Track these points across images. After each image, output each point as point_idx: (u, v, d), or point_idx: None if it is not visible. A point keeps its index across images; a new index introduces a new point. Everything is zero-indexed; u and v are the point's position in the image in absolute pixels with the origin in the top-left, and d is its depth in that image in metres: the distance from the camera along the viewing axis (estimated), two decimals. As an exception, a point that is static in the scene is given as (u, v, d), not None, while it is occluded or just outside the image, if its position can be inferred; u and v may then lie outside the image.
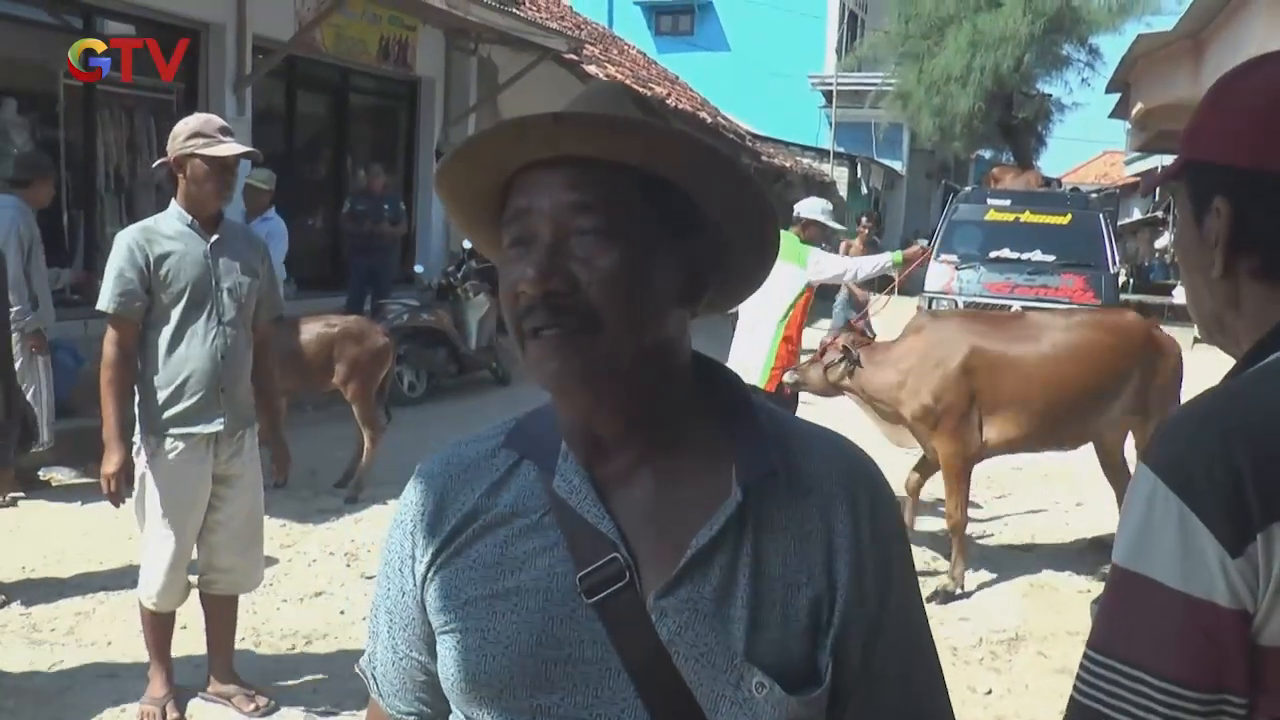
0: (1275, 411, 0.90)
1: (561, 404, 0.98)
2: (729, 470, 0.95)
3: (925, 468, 5.27)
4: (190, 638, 3.74)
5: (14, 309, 5.25)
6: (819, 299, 6.20)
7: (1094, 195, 15.18)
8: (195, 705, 3.54)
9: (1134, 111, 14.66)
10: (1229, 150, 1.00)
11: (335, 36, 10.24)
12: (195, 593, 3.53)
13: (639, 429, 0.97)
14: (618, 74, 14.75)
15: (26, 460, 5.41)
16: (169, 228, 3.31)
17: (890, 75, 22.71)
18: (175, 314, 3.28)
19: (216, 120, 3.35)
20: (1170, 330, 5.47)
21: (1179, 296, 16.25)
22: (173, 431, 3.29)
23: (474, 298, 9.29)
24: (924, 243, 9.57)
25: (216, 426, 3.34)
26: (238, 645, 3.71)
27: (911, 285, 13.15)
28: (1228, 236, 0.99)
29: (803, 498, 0.95)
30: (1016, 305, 10.45)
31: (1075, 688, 0.94)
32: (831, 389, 5.14)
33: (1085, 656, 0.94)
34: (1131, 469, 4.45)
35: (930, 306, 10.98)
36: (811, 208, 5.80)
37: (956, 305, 10.86)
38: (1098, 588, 4.86)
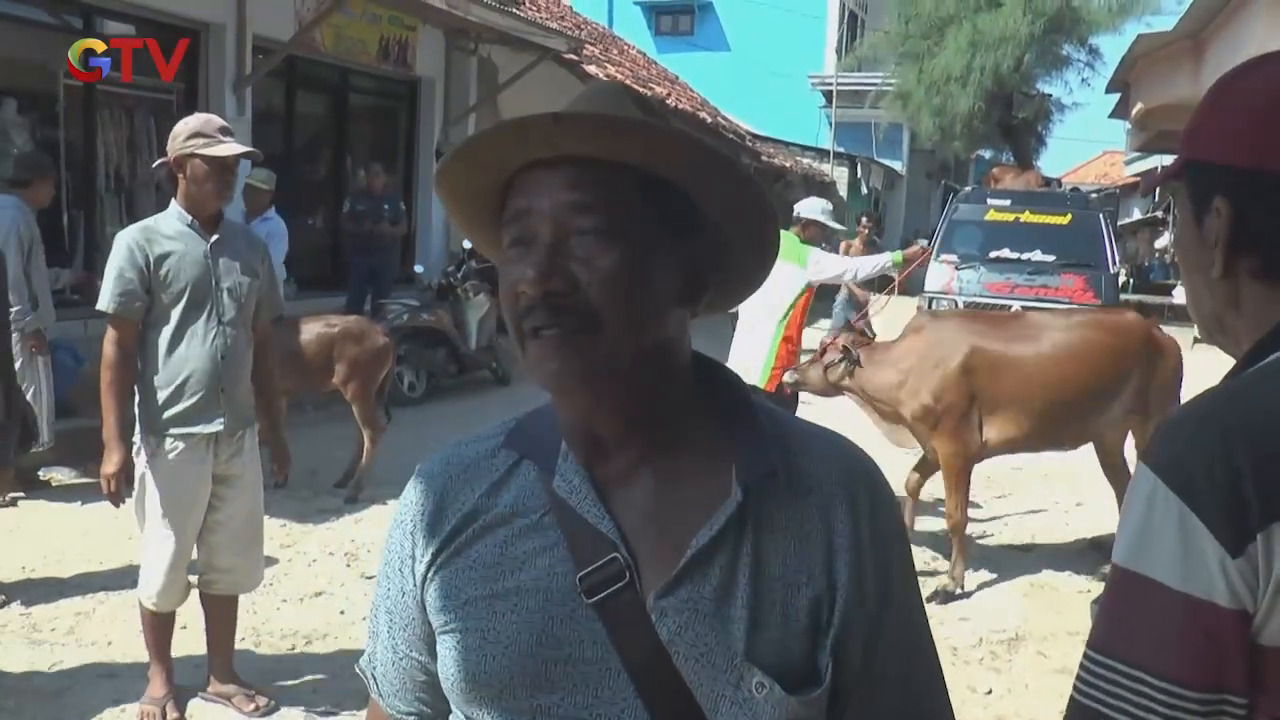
0: (1275, 411, 0.91)
1: (561, 404, 0.98)
2: (729, 470, 0.95)
3: (925, 468, 5.27)
4: (190, 638, 3.74)
5: (14, 309, 5.25)
6: (818, 299, 6.20)
7: (1094, 195, 15.18)
8: (195, 705, 3.54)
9: (1134, 111, 14.66)
10: (1229, 150, 1.00)
11: (335, 36, 10.24)
12: (195, 593, 3.53)
13: (639, 429, 0.97)
14: (618, 74, 14.75)
15: (26, 460, 5.41)
16: (169, 228, 3.31)
17: (890, 75, 22.71)
18: (175, 314, 3.28)
19: (217, 120, 3.35)
20: (1170, 330, 5.47)
21: (1179, 296, 16.25)
22: (173, 431, 3.29)
23: (474, 298, 9.29)
24: (924, 243, 9.57)
25: (216, 426, 3.34)
26: (238, 645, 3.71)
27: (912, 285, 13.17)
28: (1227, 236, 0.99)
29: (803, 498, 0.95)
30: (1016, 305, 10.46)
31: (1075, 688, 0.94)
32: (831, 389, 5.14)
33: (1085, 656, 0.94)
34: (1131, 469, 4.45)
35: (930, 306, 10.99)
36: (811, 208, 5.80)
37: (956, 305, 10.86)
38: (1098, 588, 4.86)
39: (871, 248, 11.25)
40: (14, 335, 5.27)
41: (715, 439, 0.97)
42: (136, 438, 3.32)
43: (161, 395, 3.28)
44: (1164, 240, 24.42)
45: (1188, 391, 4.75)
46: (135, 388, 3.31)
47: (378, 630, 1.07)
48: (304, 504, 5.81)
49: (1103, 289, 10.87)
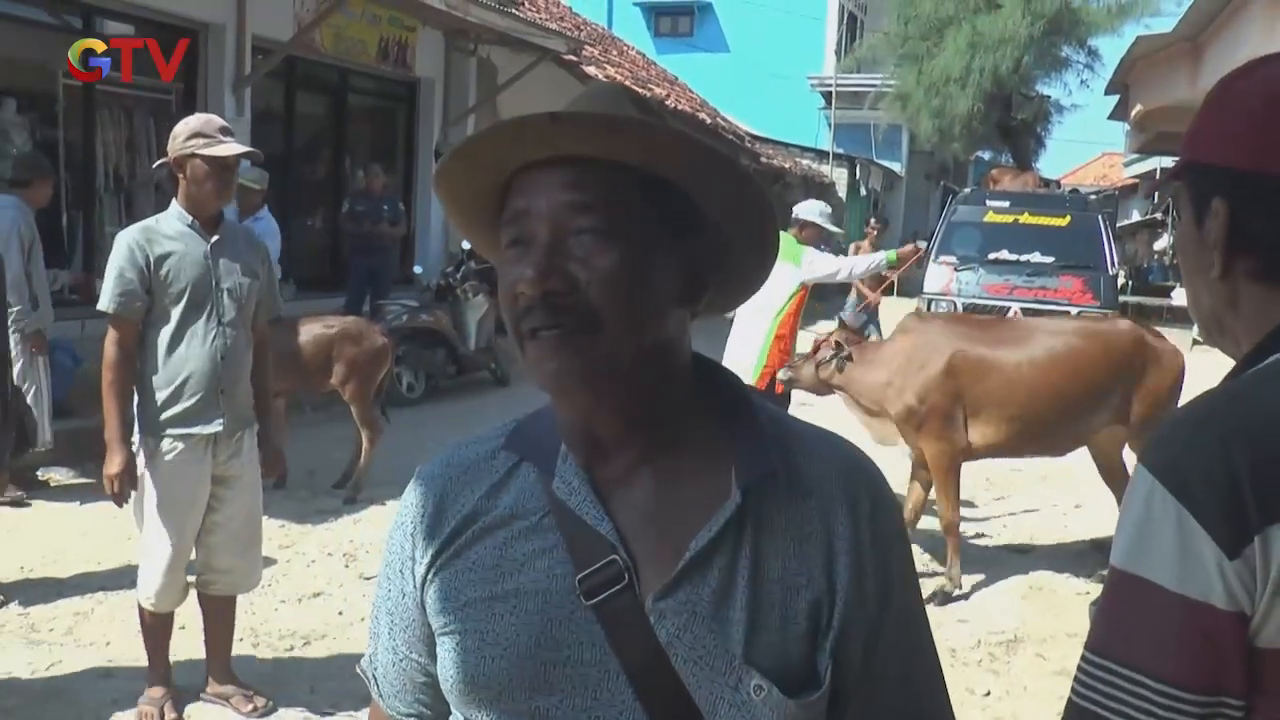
0: (1274, 414, 0.91)
1: (561, 405, 0.98)
2: (729, 471, 0.94)
3: (922, 475, 5.25)
4: (189, 638, 3.74)
5: (15, 309, 5.25)
6: (818, 300, 6.22)
7: (1093, 197, 15.20)
8: (194, 706, 3.53)
9: (1133, 113, 14.66)
10: (1228, 152, 1.00)
11: (334, 37, 10.24)
12: (194, 593, 3.52)
13: (639, 429, 0.97)
14: (617, 75, 14.75)
15: (25, 461, 5.40)
16: (169, 228, 3.31)
17: (889, 76, 22.73)
18: (175, 314, 3.28)
19: (217, 120, 3.34)
20: (1169, 332, 5.48)
21: (1178, 298, 16.25)
22: (172, 432, 3.29)
23: (473, 298, 9.29)
24: (923, 244, 9.58)
25: (216, 427, 3.34)
26: (236, 646, 3.70)
27: (911, 286, 13.19)
28: (1226, 238, 0.99)
29: (803, 500, 0.95)
30: (1015, 307, 10.47)
31: (1073, 689, 0.94)
32: (824, 386, 5.17)
33: (1083, 658, 0.94)
34: (1129, 472, 4.45)
35: (929, 308, 11.00)
36: (809, 210, 5.86)
37: (955, 307, 10.87)
38: (1096, 589, 4.87)
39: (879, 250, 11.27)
40: (14, 336, 5.28)
41: (715, 439, 0.97)
42: (135, 438, 3.32)
43: (161, 395, 3.28)
44: (1163, 242, 24.42)
45: (1187, 393, 4.75)
46: (134, 388, 3.31)
47: (378, 631, 1.07)
48: (302, 505, 5.80)
49: (1101, 291, 10.88)
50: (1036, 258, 11.29)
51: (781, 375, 5.26)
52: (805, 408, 6.30)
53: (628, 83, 13.00)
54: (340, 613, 4.41)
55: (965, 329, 5.09)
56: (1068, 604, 4.86)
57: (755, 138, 20.99)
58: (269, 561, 4.41)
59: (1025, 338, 4.93)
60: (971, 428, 4.77)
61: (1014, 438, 4.81)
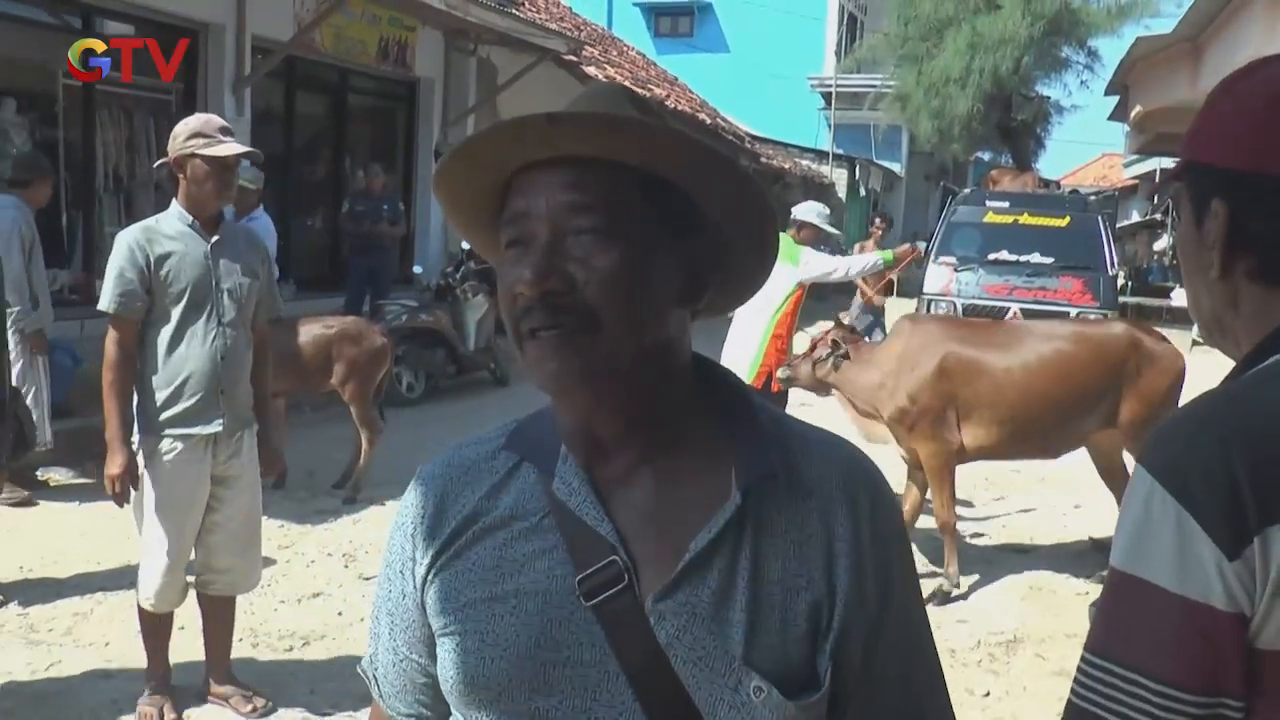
0: (1274, 415, 0.91)
1: (561, 405, 0.98)
2: (729, 471, 0.94)
3: (918, 477, 5.25)
4: (188, 639, 3.74)
5: (15, 309, 5.25)
6: (817, 300, 6.24)
7: (1092, 197, 15.17)
8: (193, 706, 3.53)
9: (1132, 114, 14.67)
10: (1227, 153, 1.00)
11: (334, 37, 10.24)
12: (193, 594, 3.52)
13: (639, 429, 0.96)
14: (617, 75, 14.75)
15: (25, 461, 5.40)
16: (170, 228, 3.31)
17: (889, 77, 22.72)
18: (175, 314, 3.28)
19: (217, 120, 3.35)
20: (1168, 333, 5.47)
21: (1177, 299, 16.25)
22: (171, 432, 3.29)
23: (472, 299, 9.29)
24: (922, 245, 9.59)
25: (215, 427, 3.33)
26: (235, 646, 3.70)
27: (911, 287, 13.19)
28: (1225, 238, 1.00)
29: (803, 500, 0.95)
30: (1015, 308, 10.47)
31: (1073, 690, 0.94)
32: (821, 385, 5.19)
33: (1083, 659, 0.94)
34: (1129, 472, 4.44)
35: (929, 308, 11.00)
36: (807, 211, 5.92)
37: (955, 307, 10.87)
38: (1096, 590, 4.86)
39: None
40: (14, 336, 5.28)
41: (715, 439, 0.97)
42: (135, 438, 3.31)
43: (160, 396, 3.28)
44: (1162, 243, 24.43)
45: (1188, 394, 4.75)
46: (134, 388, 3.31)
47: (379, 632, 1.07)
48: (302, 505, 5.80)
49: (1101, 291, 10.87)
50: (1036, 258, 11.28)
51: (781, 374, 5.29)
52: (805, 408, 6.31)
53: (627, 83, 12.98)
54: (340, 613, 4.41)
55: (958, 331, 5.10)
56: (1067, 604, 4.86)
57: (755, 138, 20.99)
58: (268, 562, 4.41)
59: (1017, 342, 4.93)
60: (963, 430, 4.79)
61: (1005, 441, 4.82)
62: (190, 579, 3.49)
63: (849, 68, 24.15)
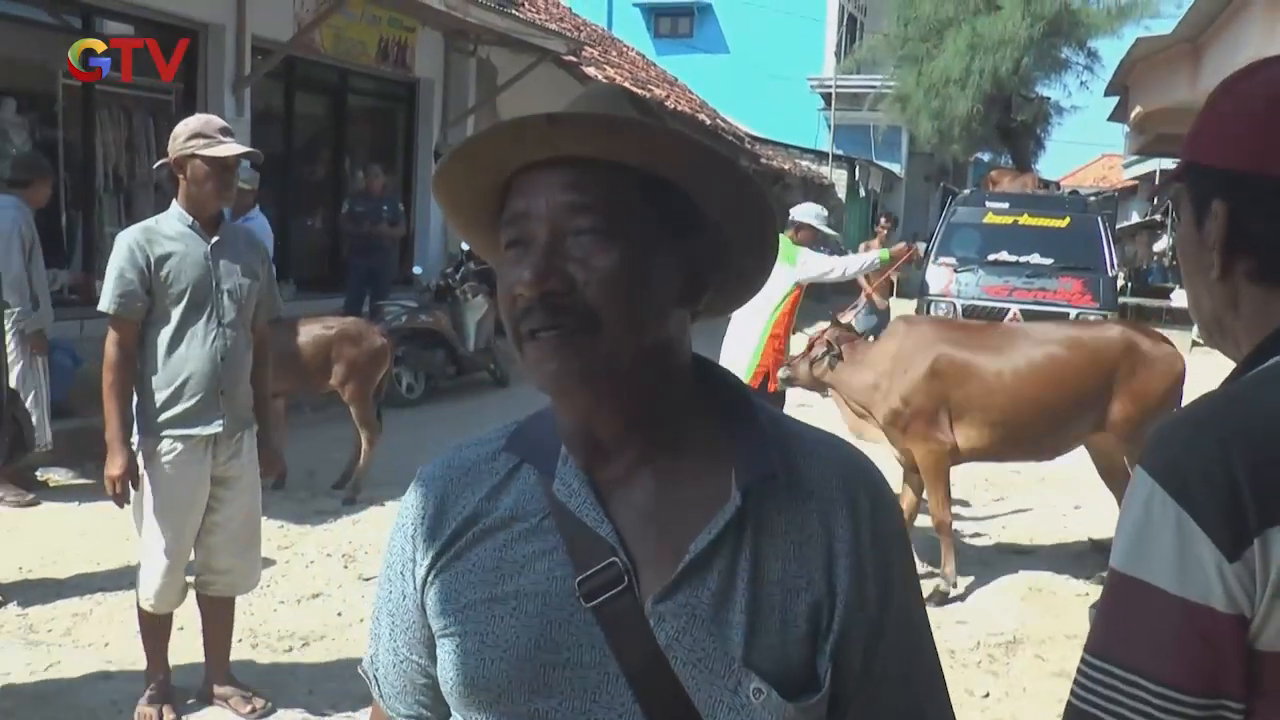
0: (1274, 416, 0.90)
1: (561, 406, 0.98)
2: (729, 472, 0.94)
3: (913, 479, 5.25)
4: (188, 639, 3.74)
5: (16, 310, 5.26)
6: (816, 301, 6.26)
7: (1092, 198, 15.17)
8: (192, 706, 3.53)
9: (1132, 115, 14.67)
10: (1227, 153, 1.00)
11: (334, 38, 10.25)
12: (192, 594, 3.52)
13: (639, 430, 0.96)
14: (617, 76, 14.76)
15: (24, 462, 5.40)
16: (170, 228, 3.31)
17: (889, 78, 22.73)
18: (175, 315, 3.28)
19: (217, 121, 3.35)
20: (1168, 334, 5.46)
21: (1177, 300, 16.25)
22: (171, 433, 3.28)
23: (472, 299, 9.29)
24: (921, 245, 9.59)
25: (215, 428, 3.33)
26: (235, 647, 3.70)
27: (910, 287, 13.19)
28: (1225, 239, 1.00)
29: (803, 501, 0.95)
30: (1015, 309, 10.47)
31: (1073, 692, 0.94)
32: (818, 384, 5.21)
33: (1083, 661, 0.94)
34: (1130, 472, 4.43)
35: (929, 309, 11.00)
36: (805, 212, 5.96)
37: (955, 308, 10.87)
38: (1096, 590, 4.86)
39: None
40: (14, 337, 5.28)
41: (715, 440, 0.97)
42: (134, 438, 3.31)
43: (160, 396, 3.27)
44: (1162, 243, 24.44)
45: (1187, 395, 4.75)
46: (134, 389, 3.31)
47: (379, 633, 1.07)
48: (302, 505, 5.80)
49: (1101, 292, 10.87)
50: (1036, 259, 11.28)
51: (782, 374, 5.33)
52: (805, 408, 6.31)
53: (627, 84, 13.00)
54: (339, 614, 4.40)
55: (952, 333, 5.10)
56: (1067, 605, 4.86)
57: (755, 139, 21.00)
58: (268, 562, 4.41)
59: (1010, 345, 4.92)
60: (956, 431, 4.80)
61: (996, 443, 4.83)
62: (190, 580, 3.49)
63: (849, 68, 24.16)
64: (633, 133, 0.91)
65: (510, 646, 0.93)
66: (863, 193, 24.89)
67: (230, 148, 3.27)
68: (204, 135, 3.24)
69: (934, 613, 4.59)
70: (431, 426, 7.61)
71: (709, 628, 0.91)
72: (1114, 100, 16.56)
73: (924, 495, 5.05)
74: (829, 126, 24.25)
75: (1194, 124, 1.06)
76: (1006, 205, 12.15)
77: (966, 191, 15.37)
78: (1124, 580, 0.92)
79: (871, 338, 5.77)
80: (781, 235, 5.42)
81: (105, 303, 3.23)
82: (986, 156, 26.03)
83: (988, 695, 3.96)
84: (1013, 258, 11.37)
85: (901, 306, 11.65)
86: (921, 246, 11.91)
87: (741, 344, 5.43)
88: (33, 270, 5.48)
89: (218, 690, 3.55)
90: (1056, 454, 5.13)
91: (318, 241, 11.61)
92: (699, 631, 0.91)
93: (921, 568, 5.09)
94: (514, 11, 11.74)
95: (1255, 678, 0.87)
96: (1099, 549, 5.41)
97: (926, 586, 4.78)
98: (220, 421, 3.34)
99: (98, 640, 4.03)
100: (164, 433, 3.28)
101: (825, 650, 0.92)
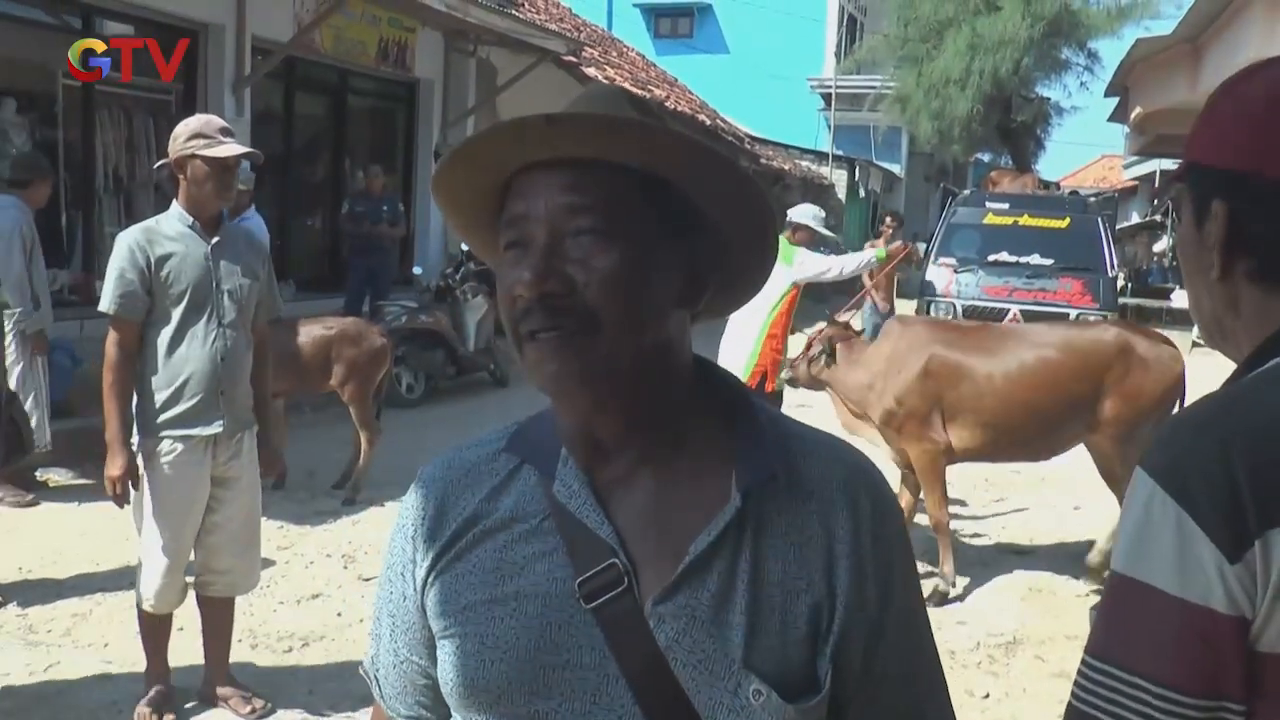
0: (1274, 418, 0.90)
1: (561, 406, 0.98)
2: (729, 473, 0.94)
3: (910, 479, 5.25)
4: (187, 640, 3.74)
5: (17, 310, 5.26)
6: (815, 301, 6.27)
7: (1092, 199, 15.17)
8: (192, 707, 3.53)
9: (1132, 115, 14.68)
10: (1227, 154, 1.00)
11: (334, 38, 10.25)
12: (192, 595, 3.52)
13: (639, 431, 0.96)
14: (617, 76, 14.76)
15: (24, 462, 5.40)
16: (170, 229, 3.31)
17: (889, 78, 22.75)
18: (175, 315, 3.28)
19: (217, 121, 3.35)
20: (1169, 334, 5.45)
21: (1177, 300, 16.27)
22: (171, 433, 3.28)
23: (472, 299, 9.29)
24: (921, 245, 9.60)
25: (215, 429, 3.33)
26: (234, 647, 3.70)
27: (910, 288, 13.19)
28: (1224, 239, 1.00)
29: (803, 503, 0.95)
30: (1015, 309, 10.47)
31: (1073, 693, 0.94)
32: (816, 383, 5.23)
33: (1083, 662, 0.93)
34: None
35: (929, 309, 11.01)
36: (803, 213, 5.98)
37: (955, 308, 10.88)
38: (1096, 591, 4.86)
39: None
40: (15, 337, 5.28)
41: (715, 441, 0.97)
42: (134, 439, 3.31)
43: (160, 397, 3.27)
44: (1162, 244, 24.45)
45: (1188, 397, 4.75)
46: (134, 389, 3.31)
47: (380, 633, 1.07)
48: (301, 506, 5.80)
49: (1101, 293, 10.87)
50: (1036, 260, 11.28)
51: (783, 375, 5.36)
52: (805, 409, 6.31)
53: (627, 84, 13.02)
54: (339, 614, 4.40)
55: (946, 334, 5.10)
56: (1067, 606, 4.86)
57: (755, 139, 21.00)
58: (268, 563, 4.41)
59: (1003, 347, 4.91)
60: (949, 431, 4.81)
61: (989, 444, 4.83)
62: (190, 580, 3.49)
63: (849, 69, 24.19)
64: (632, 133, 0.91)
65: (510, 648, 0.93)
66: (862, 193, 24.91)
67: (230, 148, 3.27)
68: (204, 135, 3.24)
69: (934, 613, 4.58)
70: (431, 427, 7.61)
71: (709, 629, 0.91)
72: (1114, 101, 16.58)
73: (921, 495, 5.05)
74: (829, 127, 24.25)
75: (1194, 124, 1.06)
76: (1006, 206, 12.15)
77: (966, 192, 15.38)
78: (1124, 581, 0.91)
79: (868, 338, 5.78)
80: (780, 236, 5.44)
81: (105, 303, 3.23)
82: (986, 157, 26.06)
83: (988, 696, 3.96)
84: (1013, 258, 11.37)
85: (901, 307, 11.65)
86: (921, 247, 11.93)
87: (739, 344, 5.45)
88: (33, 270, 5.48)
89: (218, 690, 3.54)
90: (1051, 454, 5.13)
91: (318, 242, 11.62)
92: (699, 633, 0.91)
93: (921, 568, 5.08)
94: (514, 12, 11.74)
95: (1256, 679, 0.87)
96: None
97: (926, 587, 4.78)
98: (220, 422, 3.34)
99: (98, 641, 4.03)
100: (164, 433, 3.28)
101: (825, 652, 0.92)
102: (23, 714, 3.44)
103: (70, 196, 8.26)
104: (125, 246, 3.24)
